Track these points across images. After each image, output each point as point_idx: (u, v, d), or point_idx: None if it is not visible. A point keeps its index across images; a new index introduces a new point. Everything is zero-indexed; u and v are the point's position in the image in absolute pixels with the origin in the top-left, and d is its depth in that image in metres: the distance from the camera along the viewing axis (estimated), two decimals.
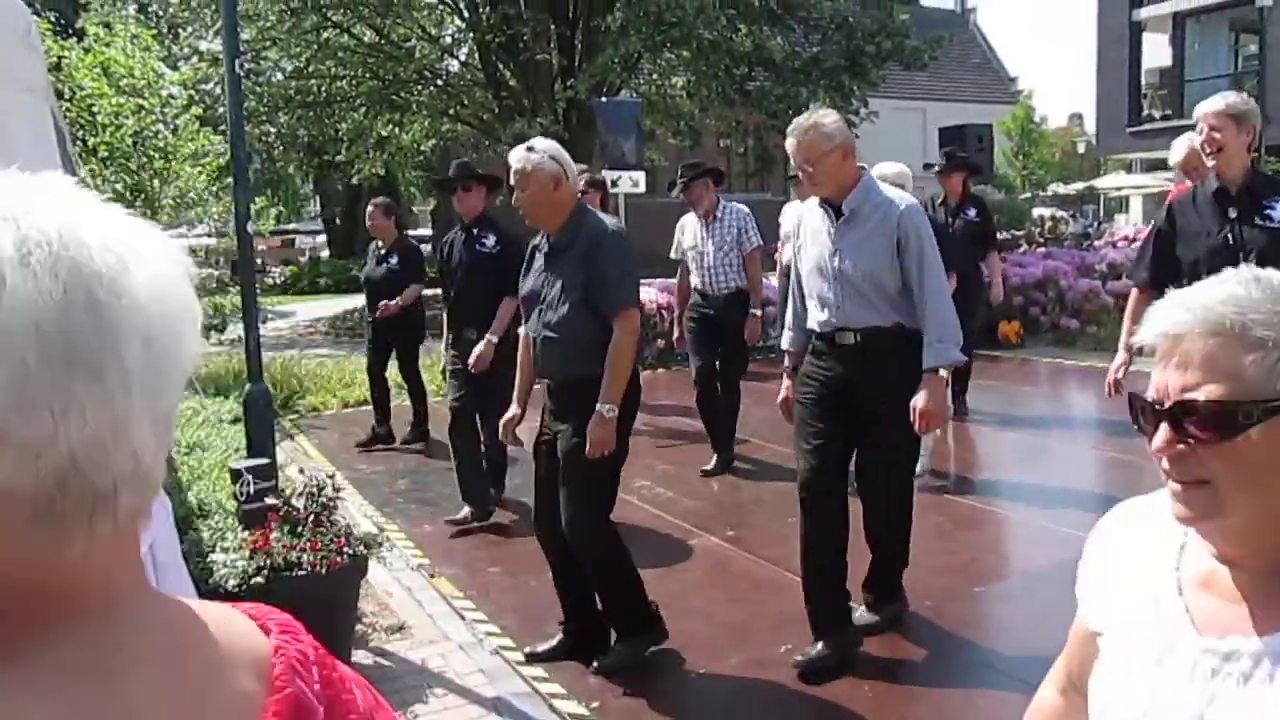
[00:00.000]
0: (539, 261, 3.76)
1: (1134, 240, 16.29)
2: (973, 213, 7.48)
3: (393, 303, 7.16)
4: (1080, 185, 34.85)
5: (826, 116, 3.59)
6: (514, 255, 5.34)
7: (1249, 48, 25.18)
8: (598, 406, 3.48)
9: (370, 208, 7.63)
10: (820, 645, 3.64)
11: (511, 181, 3.66)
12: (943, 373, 3.51)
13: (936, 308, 3.53)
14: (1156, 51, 26.28)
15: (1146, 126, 24.57)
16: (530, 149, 3.64)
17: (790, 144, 3.60)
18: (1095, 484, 6.03)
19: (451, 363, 5.82)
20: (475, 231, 5.81)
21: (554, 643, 3.86)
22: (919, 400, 3.51)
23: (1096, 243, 17.60)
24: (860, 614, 3.91)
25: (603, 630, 3.83)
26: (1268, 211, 3.84)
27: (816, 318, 3.75)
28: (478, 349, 5.40)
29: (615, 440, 3.51)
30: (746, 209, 6.69)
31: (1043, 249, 15.41)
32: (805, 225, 3.87)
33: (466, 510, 5.60)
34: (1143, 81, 26.16)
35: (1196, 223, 4.01)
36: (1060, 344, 11.25)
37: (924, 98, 31.83)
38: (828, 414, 3.68)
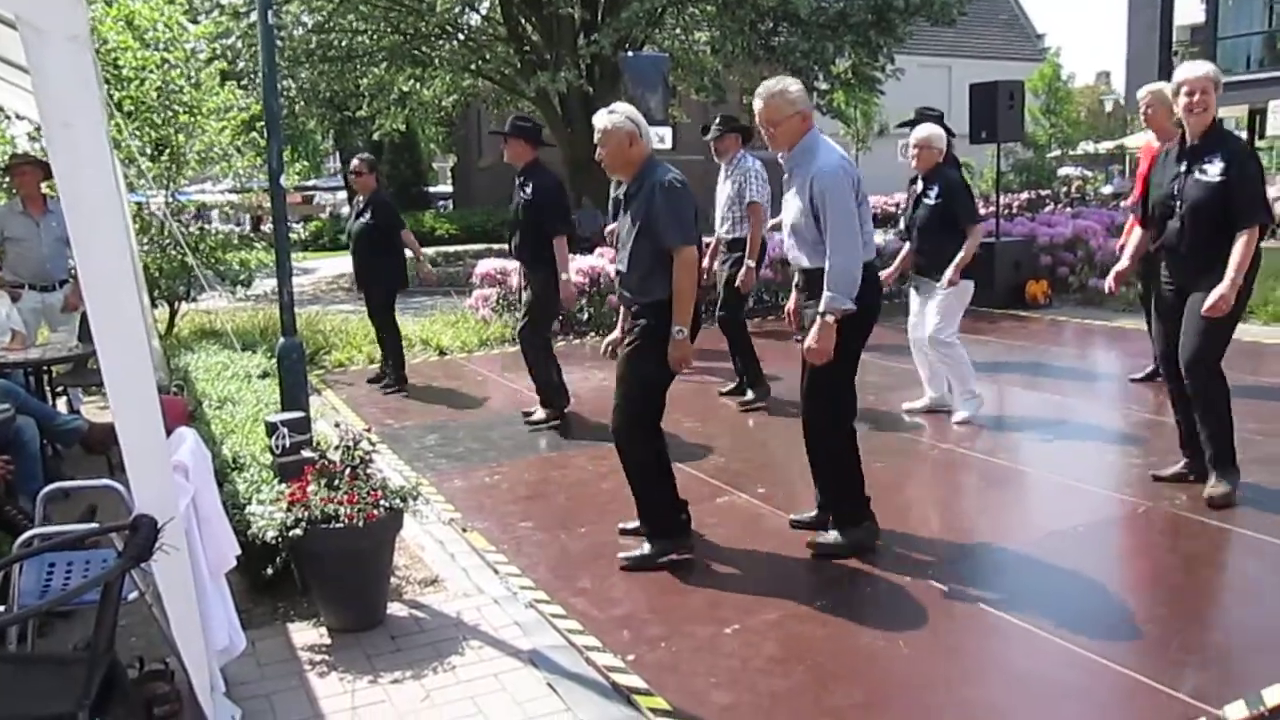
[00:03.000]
0: (621, 207, 4.39)
1: None
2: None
3: (426, 267, 8.51)
4: (1110, 144, 34.38)
5: (784, 84, 4.20)
6: (549, 201, 6.38)
7: None
8: (671, 330, 4.05)
9: (355, 161, 7.98)
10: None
11: (595, 139, 4.25)
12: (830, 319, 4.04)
13: (834, 259, 4.04)
14: (1189, 8, 25.78)
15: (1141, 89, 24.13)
16: (611, 111, 4.23)
17: (758, 105, 4.18)
18: (1122, 444, 5.98)
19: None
20: (521, 180, 6.48)
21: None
22: (810, 338, 4.09)
23: (1124, 203, 17.38)
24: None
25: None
26: (1204, 166, 4.50)
27: None
28: (561, 289, 6.46)
29: (691, 358, 4.15)
30: (757, 164, 6.98)
31: (1070, 209, 15.24)
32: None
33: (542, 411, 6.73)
34: (1174, 39, 25.68)
35: (1160, 173, 4.77)
36: (1088, 304, 11.15)
37: (950, 54, 31.40)
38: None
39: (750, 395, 7.09)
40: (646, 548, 4.32)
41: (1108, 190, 22.73)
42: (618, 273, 4.37)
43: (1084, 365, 8.63)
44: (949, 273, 6.12)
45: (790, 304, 4.66)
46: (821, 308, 4.03)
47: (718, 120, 7.23)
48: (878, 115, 28.39)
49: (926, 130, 6.27)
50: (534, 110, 17.72)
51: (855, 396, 4.43)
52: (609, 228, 8.74)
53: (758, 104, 4.18)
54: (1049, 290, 11.26)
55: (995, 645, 3.57)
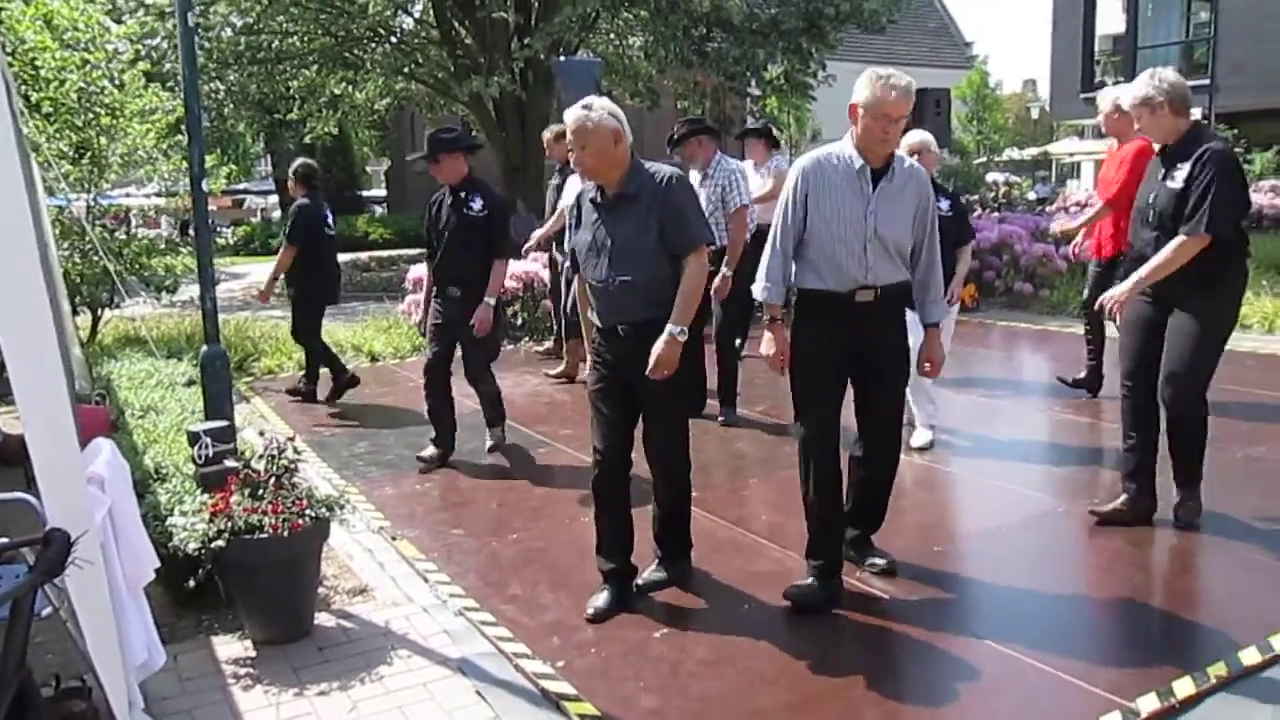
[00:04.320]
0: (590, 214, 3.90)
1: (1086, 205, 16.46)
2: None
3: (264, 285, 7.86)
4: (1035, 150, 35.17)
5: (904, 78, 3.73)
6: (501, 218, 5.88)
7: (1200, 15, 25.43)
8: (668, 328, 3.68)
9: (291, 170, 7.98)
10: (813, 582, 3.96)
11: (569, 139, 3.80)
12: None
13: (937, 269, 4.00)
14: (1110, 18, 26.50)
15: (1099, 93, 24.77)
16: (588, 108, 3.75)
17: (901, 96, 3.67)
18: (1048, 444, 6.13)
19: (434, 317, 6.01)
20: (463, 195, 5.85)
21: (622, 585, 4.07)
22: (935, 351, 4.02)
23: (1049, 208, 17.79)
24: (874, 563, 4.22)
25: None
26: (1174, 174, 4.31)
27: (836, 275, 3.82)
28: (478, 313, 5.70)
29: (679, 362, 3.73)
30: (738, 165, 6.71)
31: (997, 214, 15.53)
32: (825, 183, 3.81)
33: (433, 450, 6.04)
34: (1096, 48, 26.38)
35: (1145, 181, 4.61)
36: (1014, 307, 11.39)
37: (880, 61, 31.68)
38: (836, 372, 3.92)
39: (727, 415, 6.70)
40: (663, 572, 4.12)
41: (1033, 196, 23.23)
42: (603, 288, 3.84)
43: (1011, 367, 8.82)
44: (955, 289, 5.74)
45: (780, 341, 3.97)
46: (938, 318, 4.00)
47: (683, 124, 6.84)
48: (810, 121, 28.69)
49: (922, 135, 5.69)
50: (467, 114, 17.62)
51: None
52: (535, 234, 8.48)
53: (906, 96, 3.70)
54: (976, 294, 11.47)
55: (919, 644, 3.63)
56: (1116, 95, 6.44)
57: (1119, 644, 3.59)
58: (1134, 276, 4.36)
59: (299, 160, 8.23)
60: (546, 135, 8.12)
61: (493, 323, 5.80)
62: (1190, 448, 4.53)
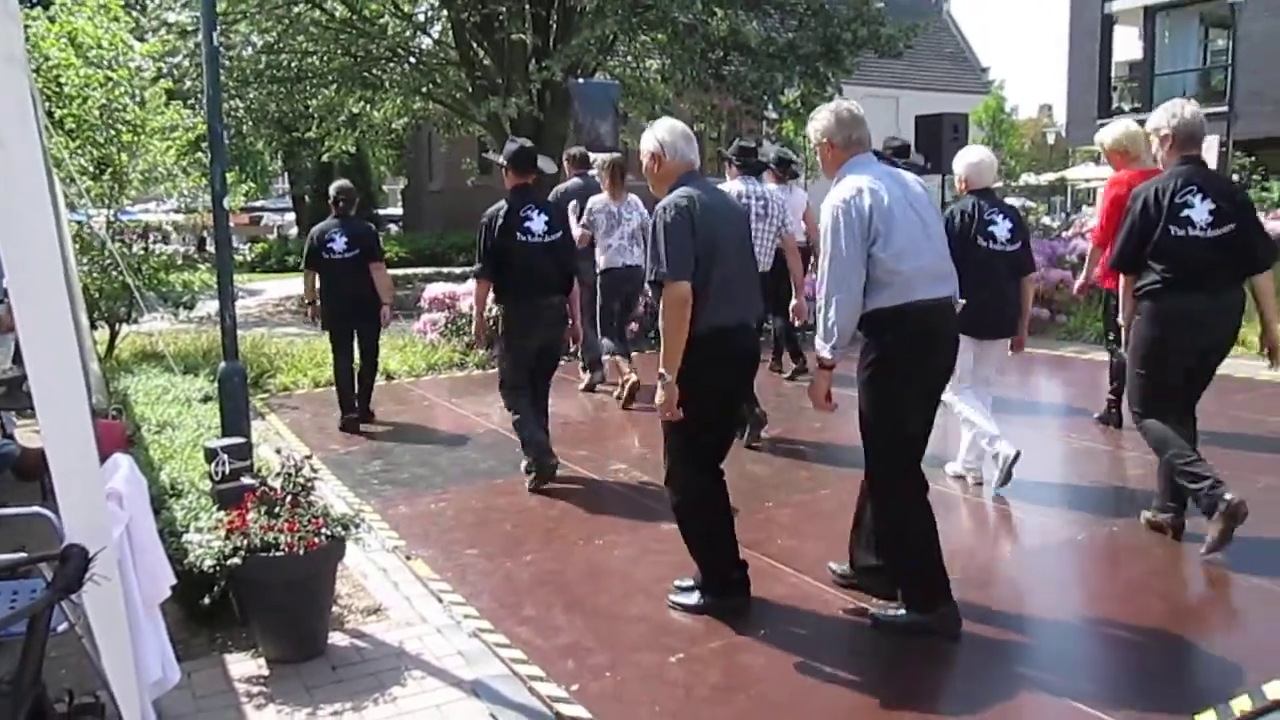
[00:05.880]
0: None
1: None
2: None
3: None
4: (1052, 176, 35.17)
5: (819, 112, 3.88)
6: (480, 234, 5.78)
7: (1218, 42, 25.47)
8: (663, 371, 3.74)
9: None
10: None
11: None
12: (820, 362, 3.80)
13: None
14: (1127, 44, 26.54)
15: (1116, 119, 24.77)
16: (651, 130, 4.02)
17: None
18: (1066, 472, 6.08)
19: None
20: None
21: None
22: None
23: (1065, 233, 17.72)
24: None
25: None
26: None
27: None
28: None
29: (675, 405, 3.72)
30: (730, 187, 6.75)
31: None
32: None
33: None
34: (1113, 74, 26.40)
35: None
36: (1031, 333, 11.30)
37: (897, 86, 31.82)
38: None
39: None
40: (695, 597, 4.07)
41: (1050, 222, 23.17)
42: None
43: (1026, 392, 8.76)
44: None
45: None
46: (817, 350, 3.74)
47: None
48: None
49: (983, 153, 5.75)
50: (485, 134, 17.71)
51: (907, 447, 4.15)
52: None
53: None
54: None
55: (936, 671, 3.60)
56: (1101, 135, 6.40)
57: (1138, 675, 3.54)
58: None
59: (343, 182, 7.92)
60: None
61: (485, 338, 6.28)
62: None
